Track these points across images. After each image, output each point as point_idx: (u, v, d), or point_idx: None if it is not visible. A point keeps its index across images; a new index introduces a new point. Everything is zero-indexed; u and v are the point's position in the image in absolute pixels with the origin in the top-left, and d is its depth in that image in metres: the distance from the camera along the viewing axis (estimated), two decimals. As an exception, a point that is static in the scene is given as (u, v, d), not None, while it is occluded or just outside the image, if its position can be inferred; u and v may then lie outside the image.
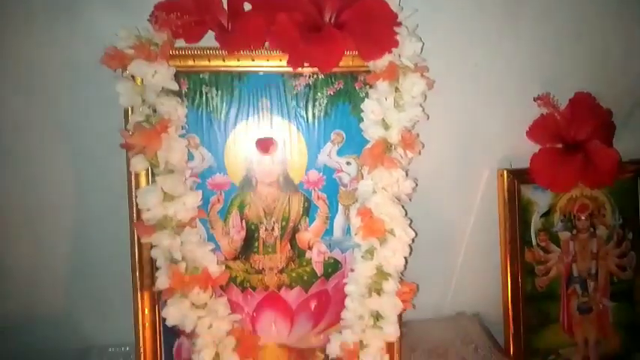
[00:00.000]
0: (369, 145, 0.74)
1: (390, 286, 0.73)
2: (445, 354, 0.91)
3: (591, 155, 0.86)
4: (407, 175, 0.75)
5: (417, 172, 0.78)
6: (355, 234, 0.74)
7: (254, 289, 0.78)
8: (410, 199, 0.76)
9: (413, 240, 0.75)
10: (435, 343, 0.93)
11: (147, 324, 0.74)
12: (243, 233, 0.77)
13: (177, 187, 0.70)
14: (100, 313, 0.89)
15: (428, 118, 0.76)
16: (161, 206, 0.69)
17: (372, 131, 0.73)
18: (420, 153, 0.75)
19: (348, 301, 0.75)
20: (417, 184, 0.76)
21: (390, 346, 0.77)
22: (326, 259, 0.79)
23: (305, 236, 0.79)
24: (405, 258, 0.74)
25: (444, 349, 0.91)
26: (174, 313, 0.70)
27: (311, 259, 0.79)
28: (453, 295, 0.98)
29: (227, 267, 0.76)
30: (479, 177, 0.91)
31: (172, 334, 0.75)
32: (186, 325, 0.70)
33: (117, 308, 0.83)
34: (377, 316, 0.73)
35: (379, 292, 0.73)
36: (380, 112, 0.72)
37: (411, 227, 0.75)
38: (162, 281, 0.69)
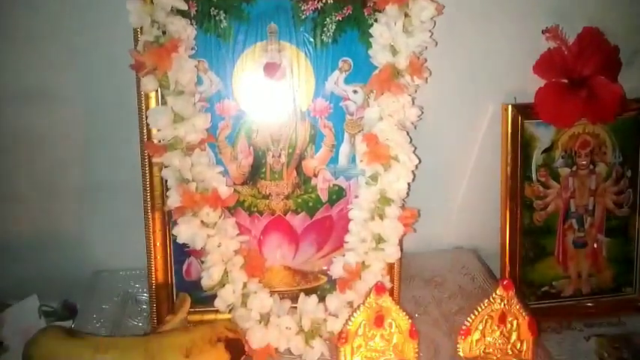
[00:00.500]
0: (376, 71, 0.74)
1: (393, 210, 0.75)
2: (442, 283, 0.94)
3: (595, 91, 0.86)
4: (413, 103, 0.76)
5: (421, 103, 0.79)
6: (360, 160, 0.76)
7: (261, 213, 0.80)
8: (415, 127, 0.77)
9: (416, 167, 0.76)
10: (433, 273, 0.96)
11: (158, 243, 0.77)
12: (250, 159, 0.79)
13: (187, 108, 0.71)
14: (111, 237, 0.92)
15: (436, 45, 0.76)
16: (171, 127, 0.71)
17: (380, 56, 0.73)
18: (427, 80, 0.76)
19: (351, 225, 0.78)
20: (422, 112, 0.77)
21: (390, 269, 0.80)
22: (331, 186, 0.81)
23: (311, 163, 0.80)
24: (409, 184, 0.76)
25: (441, 278, 0.95)
26: (185, 230, 0.72)
27: (316, 185, 0.81)
28: (452, 228, 1.01)
29: (235, 191, 0.78)
30: (483, 111, 0.92)
31: (182, 254, 0.78)
32: (196, 243, 0.73)
33: (128, 233, 0.85)
34: (379, 239, 0.76)
35: (382, 216, 0.76)
36: (389, 36, 0.72)
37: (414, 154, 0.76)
38: (173, 200, 0.72)
